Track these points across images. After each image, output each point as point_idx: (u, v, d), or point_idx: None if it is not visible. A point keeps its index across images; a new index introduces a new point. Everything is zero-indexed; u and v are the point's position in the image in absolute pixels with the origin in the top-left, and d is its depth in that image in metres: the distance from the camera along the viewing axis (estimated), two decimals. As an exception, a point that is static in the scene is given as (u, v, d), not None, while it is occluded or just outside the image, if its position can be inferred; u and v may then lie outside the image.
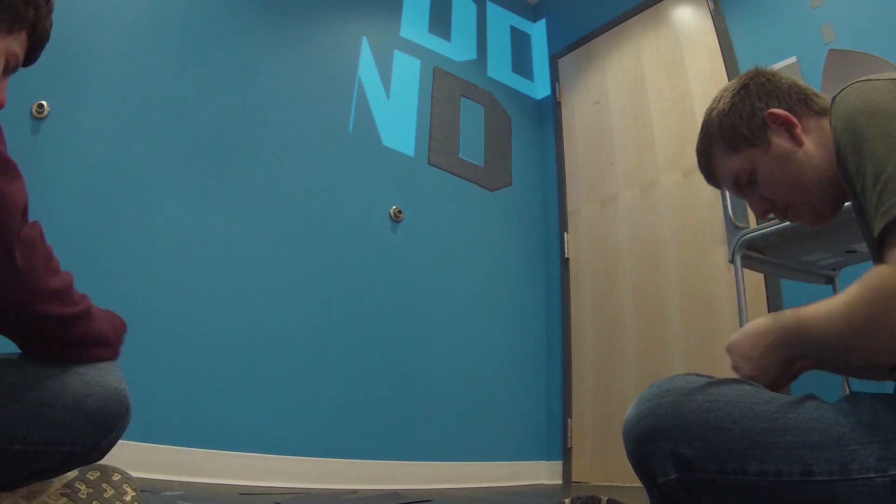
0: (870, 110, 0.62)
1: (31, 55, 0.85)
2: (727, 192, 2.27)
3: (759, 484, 0.58)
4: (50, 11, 0.84)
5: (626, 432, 0.69)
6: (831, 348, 0.62)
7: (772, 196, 0.82)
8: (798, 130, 0.78)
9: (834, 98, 0.69)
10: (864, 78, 0.67)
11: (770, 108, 0.80)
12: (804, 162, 0.77)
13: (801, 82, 0.84)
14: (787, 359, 0.68)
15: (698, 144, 0.92)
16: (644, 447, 0.66)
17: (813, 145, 0.77)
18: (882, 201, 0.57)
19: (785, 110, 0.80)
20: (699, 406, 0.63)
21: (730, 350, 0.73)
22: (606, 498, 0.73)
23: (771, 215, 0.85)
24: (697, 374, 0.67)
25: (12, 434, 0.72)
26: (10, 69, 0.82)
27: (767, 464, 0.58)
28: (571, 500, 0.80)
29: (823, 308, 0.62)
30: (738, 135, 0.83)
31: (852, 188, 0.65)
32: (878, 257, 0.60)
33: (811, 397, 0.61)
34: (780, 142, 0.79)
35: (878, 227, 0.58)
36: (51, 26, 0.85)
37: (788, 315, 0.67)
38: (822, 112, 0.79)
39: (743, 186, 0.86)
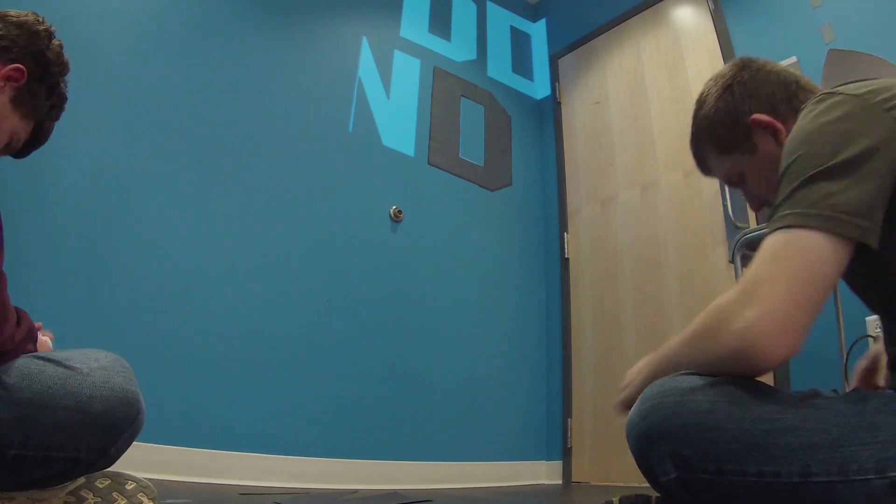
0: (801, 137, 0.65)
1: (26, 149, 0.93)
2: (727, 193, 2.28)
3: (758, 484, 0.58)
4: (57, 118, 0.95)
5: (629, 431, 0.69)
6: (676, 365, 0.68)
7: (763, 195, 0.84)
8: (782, 135, 0.78)
9: (804, 106, 0.70)
10: (835, 90, 0.68)
11: (753, 114, 0.80)
12: None
13: (787, 74, 0.84)
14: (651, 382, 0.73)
15: (691, 141, 0.92)
16: (645, 446, 0.66)
17: None
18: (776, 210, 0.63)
19: (768, 114, 0.80)
20: (699, 406, 0.62)
21: (626, 377, 0.79)
22: (655, 497, 0.73)
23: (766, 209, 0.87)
24: (699, 375, 0.67)
25: (8, 438, 0.67)
26: (7, 149, 0.88)
27: (766, 465, 0.57)
28: (620, 500, 0.80)
29: (680, 334, 0.68)
30: (725, 141, 0.84)
31: None
32: None
33: (814, 395, 0.61)
34: (766, 146, 0.80)
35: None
36: (52, 130, 0.96)
37: (658, 351, 0.73)
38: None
39: (736, 184, 0.87)
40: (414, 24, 3.03)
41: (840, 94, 0.67)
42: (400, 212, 2.62)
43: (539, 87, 3.48)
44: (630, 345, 2.58)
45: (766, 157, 0.80)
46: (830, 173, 0.60)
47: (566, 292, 2.94)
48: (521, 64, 3.49)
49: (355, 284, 2.41)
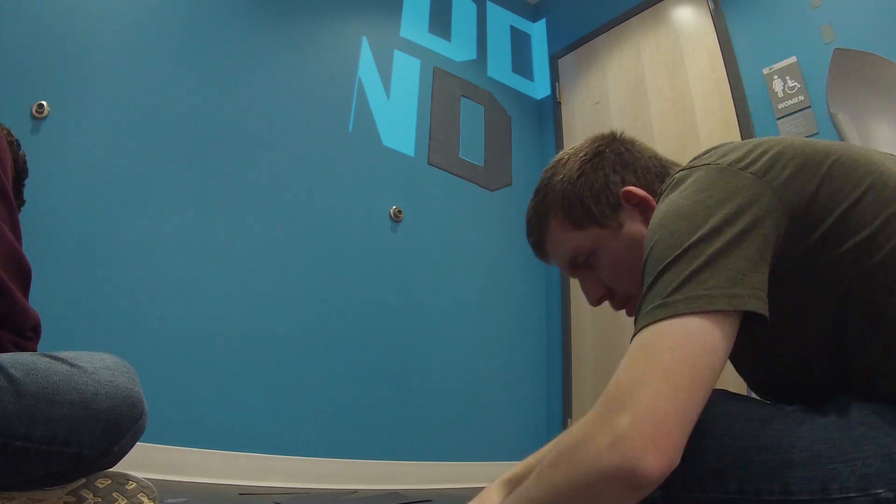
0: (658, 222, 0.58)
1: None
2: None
3: (740, 503, 0.57)
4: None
5: None
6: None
7: (612, 283, 0.74)
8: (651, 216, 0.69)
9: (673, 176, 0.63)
10: (687, 165, 0.63)
11: (626, 186, 0.73)
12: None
13: (659, 154, 0.77)
14: None
15: (529, 211, 0.81)
16: None
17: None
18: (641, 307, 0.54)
19: (643, 188, 0.72)
20: None
21: None
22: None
23: (606, 303, 0.76)
24: None
25: (13, 430, 0.68)
26: None
27: (746, 482, 0.55)
28: None
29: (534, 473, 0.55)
30: (584, 210, 0.73)
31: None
32: None
33: (796, 410, 0.60)
34: (631, 224, 0.72)
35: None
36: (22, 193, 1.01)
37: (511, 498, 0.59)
38: None
39: (578, 267, 0.77)
40: (414, 24, 3.02)
41: (692, 167, 0.61)
42: (400, 212, 2.62)
43: (539, 87, 3.47)
44: (630, 345, 2.58)
45: (627, 238, 0.72)
46: (693, 250, 0.53)
47: (566, 292, 2.94)
48: (521, 64, 3.49)
49: (355, 284, 2.40)
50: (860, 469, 0.52)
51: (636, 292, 0.65)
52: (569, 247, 0.75)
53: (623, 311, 0.77)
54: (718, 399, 0.62)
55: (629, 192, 0.72)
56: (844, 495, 0.52)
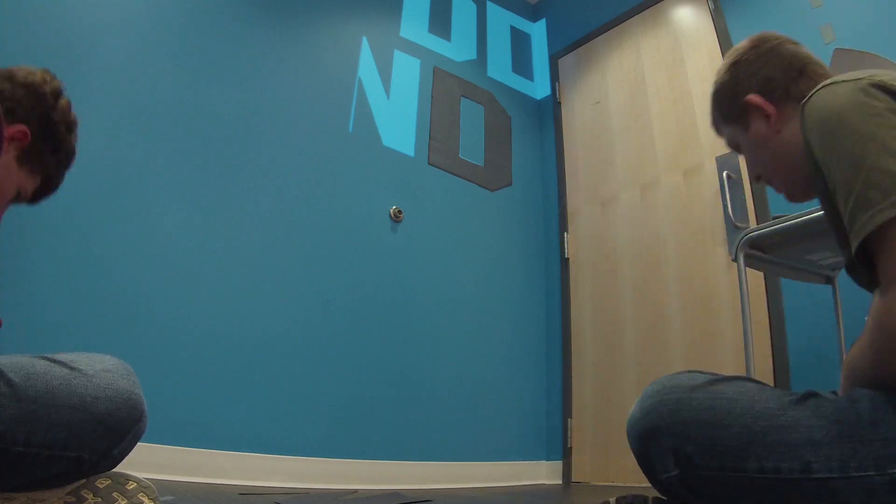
0: (836, 120, 0.61)
1: (36, 197, 0.98)
2: (727, 193, 2.28)
3: (758, 481, 0.58)
4: (67, 168, 0.99)
5: (630, 429, 0.70)
6: (873, 378, 0.61)
7: (751, 168, 0.86)
8: (773, 120, 0.79)
9: (803, 105, 0.68)
10: (830, 81, 0.66)
11: (749, 94, 0.82)
12: (778, 149, 0.79)
13: (796, 59, 0.82)
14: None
15: (710, 102, 0.95)
16: (646, 443, 0.66)
17: (790, 133, 0.77)
18: (854, 219, 0.56)
19: (764, 97, 0.80)
20: (701, 403, 0.63)
21: None
22: (652, 497, 0.73)
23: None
24: (701, 372, 0.67)
25: (13, 435, 0.68)
26: (16, 200, 0.93)
27: (766, 461, 0.58)
28: (617, 500, 0.80)
29: (860, 342, 0.62)
30: (723, 110, 0.87)
31: (825, 200, 0.64)
32: (856, 273, 0.61)
33: (813, 394, 0.61)
34: (757, 126, 0.81)
35: (853, 245, 0.57)
36: (62, 181, 1.00)
37: (852, 349, 0.67)
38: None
39: (738, 151, 0.90)
40: (414, 24, 3.02)
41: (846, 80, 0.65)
42: (400, 212, 2.62)
43: (539, 87, 3.48)
44: (630, 345, 2.58)
45: (757, 137, 0.81)
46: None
47: (566, 292, 2.94)
48: (521, 64, 3.49)
49: (355, 284, 2.40)
50: (879, 450, 0.54)
51: (770, 178, 0.83)
52: (726, 135, 0.90)
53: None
54: (738, 381, 0.63)
55: (749, 101, 0.81)
56: (863, 474, 0.54)
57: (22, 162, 0.88)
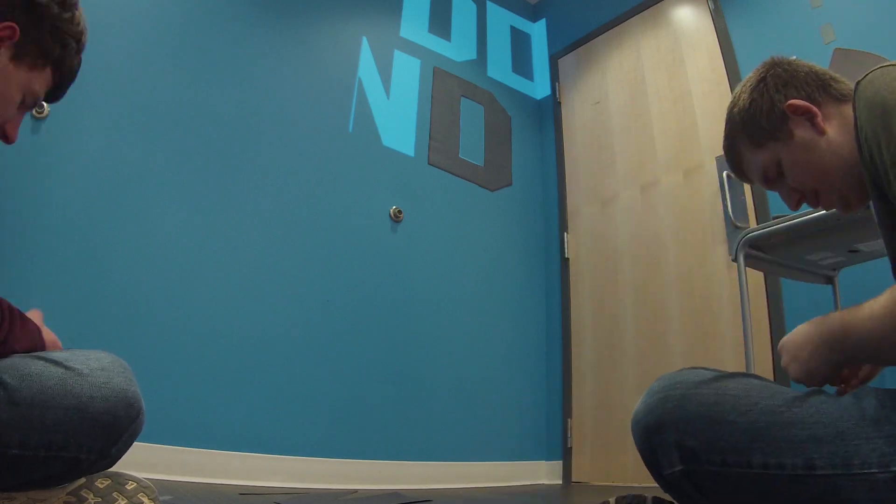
0: (893, 100, 0.61)
1: (56, 91, 0.86)
2: (727, 193, 2.28)
3: (762, 476, 0.58)
4: (79, 51, 0.85)
5: (635, 424, 0.70)
6: (876, 348, 0.61)
7: (799, 185, 0.82)
8: (819, 119, 0.78)
9: (858, 83, 0.68)
10: (887, 63, 0.66)
11: (789, 100, 0.80)
12: (827, 150, 0.77)
13: (819, 68, 0.83)
14: (834, 361, 0.66)
15: (724, 142, 0.92)
16: (651, 439, 0.67)
17: (835, 132, 0.77)
18: None
19: (804, 100, 0.79)
20: (706, 399, 0.63)
21: (781, 350, 0.72)
22: (652, 497, 0.73)
23: (805, 206, 0.85)
24: (706, 368, 0.67)
25: (9, 438, 0.67)
26: (26, 105, 0.82)
27: (770, 457, 0.58)
28: (616, 500, 0.80)
29: (866, 310, 0.61)
30: (760, 129, 0.83)
31: (874, 178, 0.63)
32: None
33: (817, 391, 0.61)
34: (801, 132, 0.79)
35: None
36: (79, 65, 0.86)
37: (834, 318, 0.66)
38: (842, 98, 0.78)
39: (772, 180, 0.86)
40: (414, 24, 3.02)
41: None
42: (400, 212, 2.62)
43: (539, 87, 3.48)
44: (630, 345, 2.58)
45: (802, 145, 0.79)
46: None
47: (566, 292, 2.94)
48: (521, 64, 3.49)
49: (355, 284, 2.40)
50: (882, 447, 0.55)
51: (820, 188, 0.79)
52: (758, 164, 0.85)
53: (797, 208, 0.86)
54: (743, 378, 0.63)
55: (792, 105, 0.79)
56: (866, 471, 0.55)
57: (19, 60, 0.77)
